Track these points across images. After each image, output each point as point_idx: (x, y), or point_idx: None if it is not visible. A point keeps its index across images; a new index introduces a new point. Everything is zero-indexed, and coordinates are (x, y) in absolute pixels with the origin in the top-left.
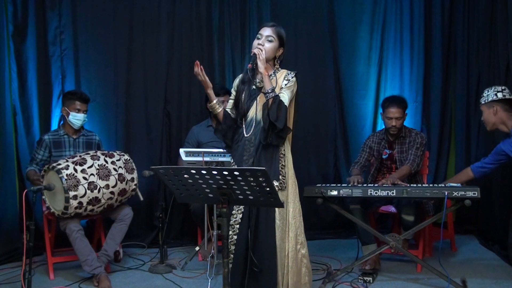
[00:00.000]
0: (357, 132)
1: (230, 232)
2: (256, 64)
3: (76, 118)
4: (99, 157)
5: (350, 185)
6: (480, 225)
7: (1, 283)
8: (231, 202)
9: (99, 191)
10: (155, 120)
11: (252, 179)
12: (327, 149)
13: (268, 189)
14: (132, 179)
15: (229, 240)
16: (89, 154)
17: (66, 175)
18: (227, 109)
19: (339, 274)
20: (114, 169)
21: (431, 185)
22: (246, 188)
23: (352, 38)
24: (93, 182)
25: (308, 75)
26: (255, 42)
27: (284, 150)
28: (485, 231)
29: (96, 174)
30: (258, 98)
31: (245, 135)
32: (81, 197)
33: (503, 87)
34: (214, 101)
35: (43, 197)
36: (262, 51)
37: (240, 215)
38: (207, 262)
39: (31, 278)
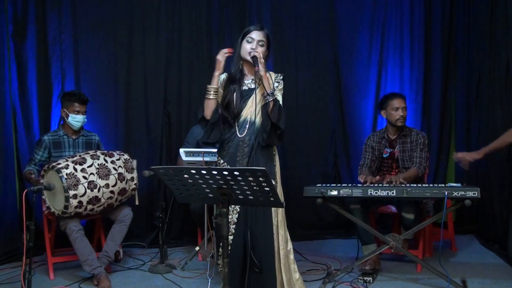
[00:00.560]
0: (357, 132)
1: None
2: (257, 66)
3: (75, 120)
4: (99, 156)
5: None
6: (480, 225)
7: (1, 283)
8: (231, 202)
9: (99, 190)
10: (155, 120)
11: (252, 179)
12: (327, 149)
13: (268, 189)
14: (132, 179)
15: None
16: (88, 153)
17: (66, 174)
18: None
19: (339, 274)
20: (114, 168)
21: (431, 185)
22: (246, 188)
23: (352, 38)
24: (93, 181)
25: (308, 75)
26: (247, 45)
27: (274, 149)
28: (485, 231)
29: (96, 173)
30: (250, 99)
31: (239, 136)
32: (81, 196)
33: None
34: (215, 86)
35: (43, 197)
36: (260, 55)
37: (236, 215)
38: (207, 262)
39: (31, 278)
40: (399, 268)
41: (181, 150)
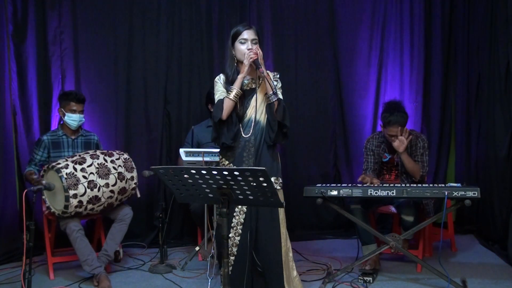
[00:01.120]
0: (357, 132)
1: (232, 234)
2: (259, 68)
3: (71, 119)
4: (99, 156)
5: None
6: (480, 225)
7: (1, 283)
8: (231, 202)
9: (99, 189)
10: (155, 120)
11: (252, 179)
12: (327, 149)
13: (267, 189)
14: (132, 178)
15: (231, 242)
16: (88, 153)
17: (66, 174)
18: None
19: (339, 274)
20: (114, 168)
21: (431, 185)
22: (246, 188)
23: (352, 38)
24: (93, 180)
25: (308, 75)
26: (243, 47)
27: (277, 149)
28: (485, 231)
29: (96, 173)
30: (253, 99)
31: (244, 136)
32: (81, 195)
33: None
34: (238, 89)
35: (43, 197)
36: (261, 55)
37: (243, 216)
38: (207, 262)
39: (31, 278)
40: (399, 268)
41: (181, 150)
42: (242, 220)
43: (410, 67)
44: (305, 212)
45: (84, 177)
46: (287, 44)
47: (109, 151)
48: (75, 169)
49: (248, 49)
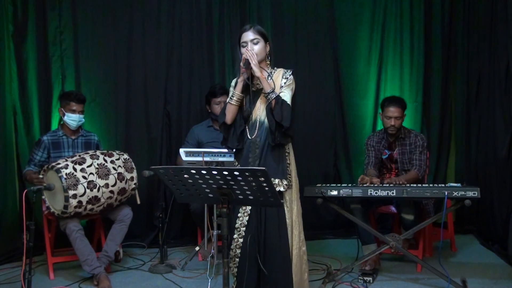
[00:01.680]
0: (357, 132)
1: (236, 235)
2: (251, 69)
3: (71, 119)
4: (98, 156)
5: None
6: (480, 225)
7: (1, 283)
8: (231, 202)
9: (98, 190)
10: (155, 120)
11: (252, 179)
12: (327, 148)
13: (267, 189)
14: (132, 178)
15: (235, 243)
16: (88, 153)
17: (66, 174)
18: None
19: (339, 274)
20: (114, 168)
21: (431, 185)
22: (246, 188)
23: (352, 38)
24: (93, 181)
25: (308, 75)
26: (243, 50)
27: (288, 148)
28: (485, 231)
29: (96, 173)
30: (259, 100)
31: (249, 137)
32: (81, 196)
33: None
34: (239, 93)
35: (43, 197)
36: (254, 55)
37: (247, 218)
38: (207, 262)
39: (31, 278)
40: (399, 268)
41: (181, 150)
42: (246, 222)
43: (410, 67)
44: (305, 212)
45: (84, 177)
46: (287, 43)
47: (109, 151)
48: (74, 169)
49: (247, 50)
